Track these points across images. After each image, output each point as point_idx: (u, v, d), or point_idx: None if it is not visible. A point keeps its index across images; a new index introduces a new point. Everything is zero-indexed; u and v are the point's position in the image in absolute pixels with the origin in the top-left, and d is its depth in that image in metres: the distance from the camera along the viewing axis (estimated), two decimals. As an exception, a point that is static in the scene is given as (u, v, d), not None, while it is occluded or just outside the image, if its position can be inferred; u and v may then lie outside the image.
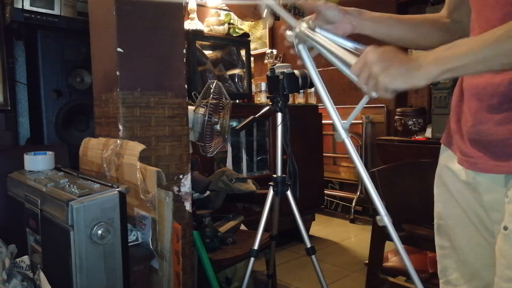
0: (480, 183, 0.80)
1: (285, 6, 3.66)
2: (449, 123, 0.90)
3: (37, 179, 1.22)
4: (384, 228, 0.82)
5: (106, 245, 1.03)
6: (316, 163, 3.38)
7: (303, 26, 0.86)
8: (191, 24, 2.97)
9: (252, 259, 1.57)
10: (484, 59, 0.66)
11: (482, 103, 0.78)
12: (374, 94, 0.74)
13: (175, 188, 1.52)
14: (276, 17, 0.97)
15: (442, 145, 0.94)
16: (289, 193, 1.60)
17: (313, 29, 0.86)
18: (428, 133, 3.08)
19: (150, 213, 1.24)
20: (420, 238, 1.55)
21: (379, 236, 1.74)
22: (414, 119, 3.25)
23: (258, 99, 3.25)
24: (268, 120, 3.02)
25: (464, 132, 0.83)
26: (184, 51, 1.57)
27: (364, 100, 0.80)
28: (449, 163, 0.89)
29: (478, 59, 0.66)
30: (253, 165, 3.07)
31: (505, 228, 0.73)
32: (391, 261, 1.75)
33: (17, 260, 1.18)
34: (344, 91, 3.98)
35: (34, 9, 2.01)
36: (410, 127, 3.25)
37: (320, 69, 0.89)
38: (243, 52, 3.22)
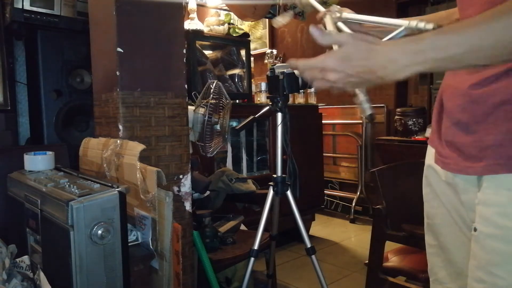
0: (458, 183, 0.82)
1: (285, 6, 3.67)
2: (432, 123, 0.92)
3: (37, 179, 1.22)
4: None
5: (106, 245, 1.03)
6: (316, 163, 3.38)
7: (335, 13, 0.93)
8: (191, 24, 2.97)
9: (252, 259, 1.57)
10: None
11: (454, 103, 0.79)
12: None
13: (175, 188, 1.52)
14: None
15: (428, 146, 0.95)
16: (289, 193, 1.60)
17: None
18: (428, 133, 3.07)
19: (150, 213, 1.24)
20: (420, 238, 1.54)
21: (379, 236, 1.74)
22: (414, 119, 3.25)
23: (258, 99, 3.25)
24: (268, 120, 3.02)
25: (441, 132, 0.84)
26: (184, 51, 1.57)
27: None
28: (433, 164, 0.91)
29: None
30: (253, 165, 3.07)
31: (475, 230, 0.75)
32: (391, 261, 1.75)
33: (17, 260, 1.18)
34: (344, 91, 3.98)
35: (34, 9, 2.01)
36: (410, 127, 3.25)
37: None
38: (243, 52, 3.22)
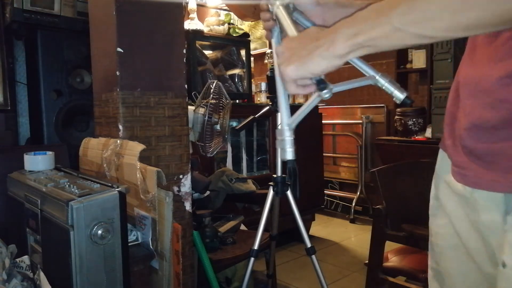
0: (478, 200, 0.65)
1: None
2: (443, 125, 0.76)
3: (37, 179, 1.22)
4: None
5: (106, 245, 1.03)
6: (316, 163, 3.38)
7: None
8: (191, 24, 2.97)
9: (252, 259, 1.57)
10: (395, 27, 0.52)
11: (477, 102, 0.63)
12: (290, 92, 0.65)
13: (175, 188, 1.52)
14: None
15: (440, 150, 0.77)
16: (289, 193, 1.60)
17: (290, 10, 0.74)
18: (428, 133, 3.08)
19: (150, 213, 1.24)
20: (420, 238, 1.55)
21: (379, 236, 1.74)
22: (414, 119, 3.25)
23: (258, 99, 3.26)
24: (268, 120, 3.02)
25: (457, 136, 0.68)
26: (184, 51, 1.57)
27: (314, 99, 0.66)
28: (444, 173, 0.74)
29: (390, 28, 0.52)
30: (253, 165, 3.07)
31: (504, 265, 0.60)
32: (391, 261, 1.75)
33: (17, 260, 1.18)
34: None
35: (34, 9, 2.01)
36: (410, 127, 3.25)
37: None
38: (243, 52, 3.22)
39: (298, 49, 0.60)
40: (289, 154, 0.69)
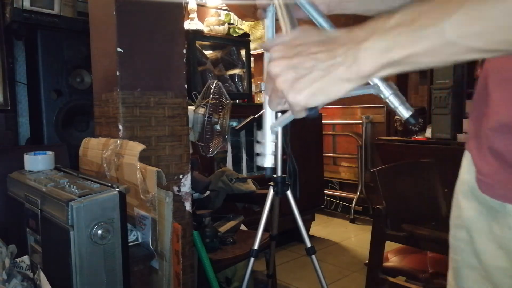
0: (511, 213, 0.55)
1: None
2: (468, 121, 0.65)
3: (37, 179, 1.22)
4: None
5: (106, 245, 1.03)
6: (316, 163, 3.38)
7: None
8: (191, 24, 2.97)
9: (252, 259, 1.57)
10: (448, 40, 0.39)
11: (505, 95, 0.54)
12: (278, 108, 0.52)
13: (175, 188, 1.52)
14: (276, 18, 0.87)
15: (465, 151, 0.66)
16: (289, 193, 1.60)
17: None
18: (428, 133, 3.08)
19: (150, 213, 1.24)
20: (420, 238, 1.55)
21: (379, 236, 1.74)
22: (414, 119, 3.25)
23: (258, 99, 3.26)
24: (268, 120, 3.02)
25: (483, 136, 0.57)
26: (184, 51, 1.57)
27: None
28: (468, 178, 0.62)
29: (441, 41, 0.39)
30: (253, 165, 3.07)
31: None
32: (391, 261, 1.75)
33: (17, 260, 1.17)
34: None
35: (34, 9, 2.01)
36: (410, 127, 3.25)
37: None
38: (243, 52, 3.22)
39: (309, 66, 0.46)
40: (268, 162, 0.61)
